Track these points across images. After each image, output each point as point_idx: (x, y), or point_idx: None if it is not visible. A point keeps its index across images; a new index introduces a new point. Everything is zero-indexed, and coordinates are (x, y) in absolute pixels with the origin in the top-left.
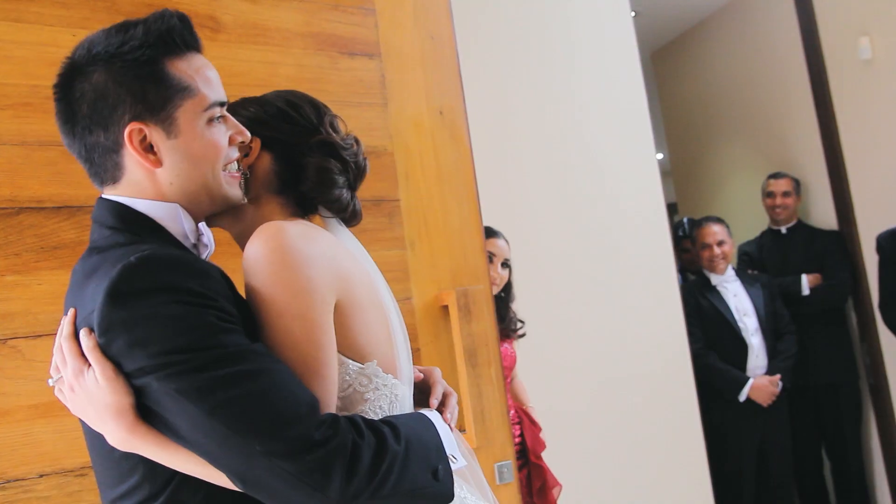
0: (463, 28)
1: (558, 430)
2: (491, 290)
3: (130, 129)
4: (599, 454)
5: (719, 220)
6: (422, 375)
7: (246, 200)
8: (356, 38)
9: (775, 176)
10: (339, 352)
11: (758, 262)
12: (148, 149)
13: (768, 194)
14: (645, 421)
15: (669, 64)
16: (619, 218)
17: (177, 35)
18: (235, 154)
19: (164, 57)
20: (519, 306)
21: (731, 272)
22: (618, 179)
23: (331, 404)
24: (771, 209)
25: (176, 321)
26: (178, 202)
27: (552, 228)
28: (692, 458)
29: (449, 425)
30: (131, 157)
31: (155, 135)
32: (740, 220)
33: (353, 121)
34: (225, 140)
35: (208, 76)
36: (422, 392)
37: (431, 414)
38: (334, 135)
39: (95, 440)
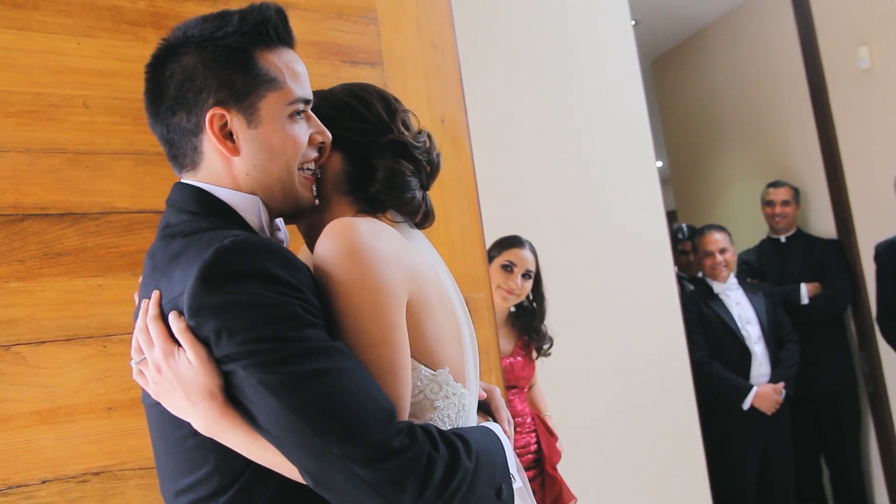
0: (464, 37)
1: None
2: (492, 297)
3: (212, 114)
4: (598, 464)
5: (721, 228)
6: (485, 394)
7: (317, 202)
8: (358, 46)
9: (774, 185)
10: (412, 356)
11: (757, 270)
12: (227, 136)
13: (767, 203)
14: (644, 430)
15: (669, 72)
16: (618, 225)
17: (271, 27)
18: (314, 154)
19: (255, 47)
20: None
21: (733, 280)
22: (618, 187)
23: (405, 408)
24: (770, 218)
25: (265, 309)
26: (253, 191)
27: (552, 236)
28: (692, 467)
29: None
30: (210, 143)
31: (236, 122)
32: (739, 228)
33: None
34: (305, 137)
35: (297, 71)
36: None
37: (497, 429)
38: (406, 133)
39: (165, 428)
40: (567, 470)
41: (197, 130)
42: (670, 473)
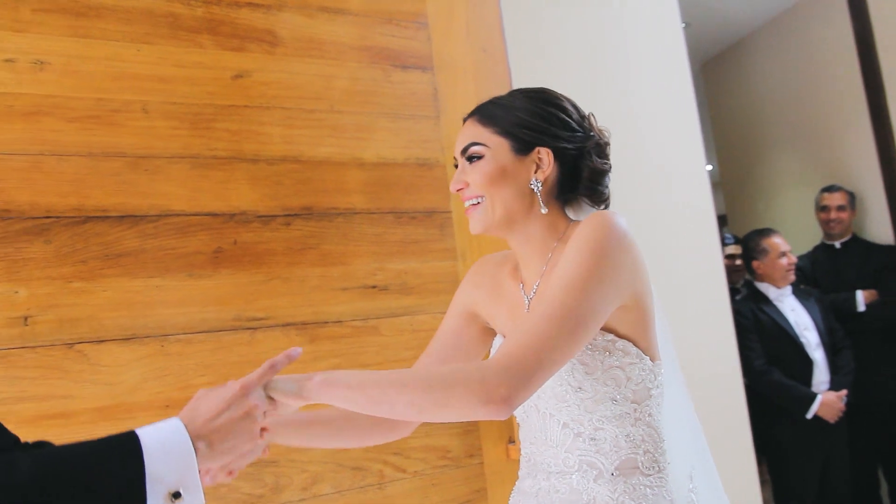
0: (514, 41)
1: None
2: None
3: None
4: None
5: (778, 233)
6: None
7: (544, 212)
8: (409, 51)
9: (829, 189)
10: (636, 344)
11: (810, 277)
12: None
13: (822, 208)
14: None
15: (720, 75)
16: (669, 230)
17: None
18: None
19: None
20: None
21: (787, 286)
22: (668, 191)
23: (562, 359)
24: (825, 223)
25: None
26: None
27: None
28: (743, 480)
29: None
30: None
31: None
32: (792, 234)
33: (406, 133)
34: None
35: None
36: None
37: (151, 436)
38: (602, 136)
39: None
40: None
41: None
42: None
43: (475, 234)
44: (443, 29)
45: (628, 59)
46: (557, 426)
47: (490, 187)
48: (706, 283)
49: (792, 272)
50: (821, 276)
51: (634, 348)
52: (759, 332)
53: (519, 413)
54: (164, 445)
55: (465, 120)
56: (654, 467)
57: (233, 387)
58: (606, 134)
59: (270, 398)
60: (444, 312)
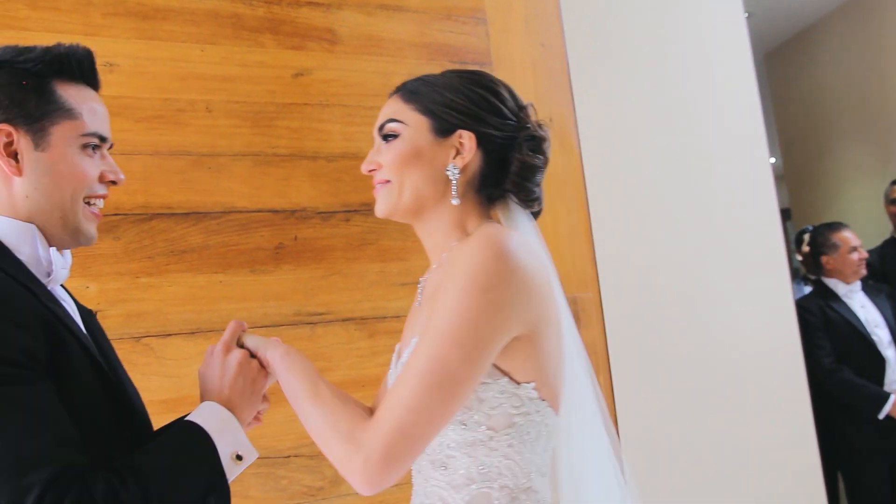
0: (573, 35)
1: (660, 448)
2: (600, 297)
3: None
4: (703, 477)
5: (848, 226)
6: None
7: (454, 202)
8: (467, 46)
9: None
10: (496, 366)
11: (879, 272)
12: (12, 155)
13: (892, 201)
14: (755, 438)
15: (783, 65)
16: (730, 224)
17: (74, 62)
18: (102, 191)
19: (55, 77)
20: (625, 315)
21: (857, 282)
22: (730, 184)
23: (442, 423)
24: (895, 217)
25: None
26: (33, 220)
27: (662, 235)
28: (807, 479)
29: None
30: None
31: (23, 142)
32: (859, 228)
33: None
34: (95, 172)
35: (95, 108)
36: None
37: (210, 419)
38: (539, 129)
39: None
40: (670, 483)
41: None
42: (784, 488)
43: (381, 217)
44: (501, 24)
45: (690, 50)
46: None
47: (401, 169)
48: (769, 279)
49: (863, 267)
50: (891, 271)
51: (489, 367)
52: (827, 329)
53: None
54: (216, 423)
55: (389, 96)
56: None
57: (216, 351)
58: (545, 128)
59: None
60: None
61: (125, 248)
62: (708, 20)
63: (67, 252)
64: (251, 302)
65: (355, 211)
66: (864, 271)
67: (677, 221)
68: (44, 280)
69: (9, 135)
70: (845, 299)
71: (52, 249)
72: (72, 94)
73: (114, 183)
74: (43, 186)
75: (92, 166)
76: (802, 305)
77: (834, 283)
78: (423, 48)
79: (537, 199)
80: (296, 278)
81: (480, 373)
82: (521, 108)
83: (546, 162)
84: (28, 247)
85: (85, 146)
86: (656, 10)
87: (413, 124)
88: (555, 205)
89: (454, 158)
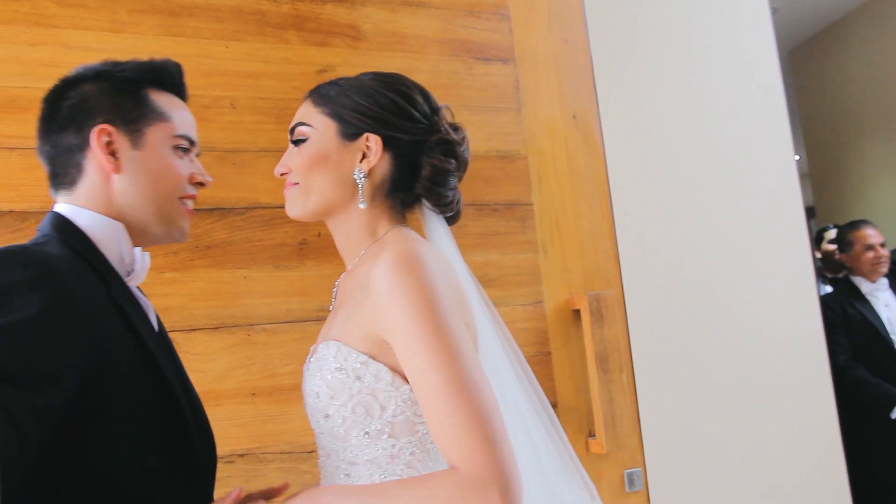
0: (596, 31)
1: (683, 447)
2: (623, 295)
3: (99, 129)
4: (726, 473)
5: (874, 224)
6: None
7: (362, 206)
8: (491, 43)
9: None
10: (400, 374)
11: None
12: (111, 154)
13: None
14: (779, 435)
15: (808, 61)
16: (754, 221)
17: (166, 73)
18: (192, 191)
19: (148, 85)
20: (648, 312)
21: (883, 280)
22: (754, 181)
23: (497, 417)
24: None
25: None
26: (125, 217)
27: (685, 232)
28: (832, 481)
29: None
30: (92, 160)
31: (120, 141)
32: (886, 226)
33: (488, 125)
34: (186, 172)
35: (184, 114)
36: None
37: None
38: (452, 132)
39: None
40: (693, 480)
41: (82, 146)
42: (807, 487)
43: (292, 218)
44: (524, 20)
45: (715, 45)
46: (323, 454)
47: (308, 173)
48: (793, 277)
49: (881, 266)
50: None
51: (389, 375)
52: (846, 326)
53: None
54: None
55: (304, 99)
56: None
57: None
58: (460, 132)
59: None
60: (525, 304)
61: None
62: (733, 15)
63: (147, 254)
64: (275, 297)
65: None
66: (883, 270)
67: (701, 218)
68: (124, 278)
69: (109, 134)
70: (869, 297)
71: (136, 249)
72: (163, 100)
73: (201, 185)
74: (138, 183)
75: (183, 167)
76: (823, 302)
77: (858, 281)
78: (447, 44)
79: (450, 204)
80: (319, 274)
81: (474, 348)
82: (434, 111)
83: (460, 166)
84: (114, 244)
85: (176, 147)
86: (680, 5)
87: (320, 128)
88: (578, 201)
89: (360, 162)
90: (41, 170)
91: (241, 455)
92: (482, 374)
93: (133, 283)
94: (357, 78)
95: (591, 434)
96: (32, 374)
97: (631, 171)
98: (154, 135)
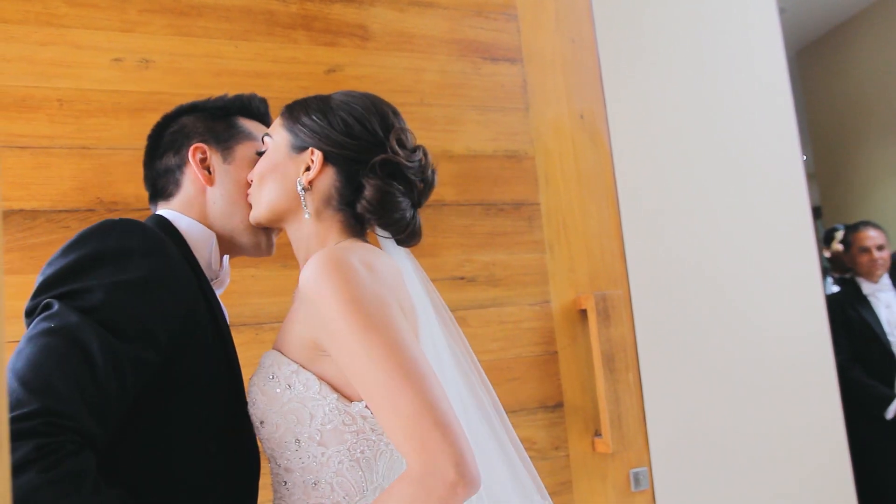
0: (604, 31)
1: (688, 447)
2: (630, 294)
3: (195, 147)
4: (731, 473)
5: (877, 225)
6: None
7: (307, 217)
8: (498, 43)
9: None
10: (328, 383)
11: None
12: (206, 168)
13: None
14: (784, 435)
15: (816, 62)
16: (762, 221)
17: (253, 106)
18: None
19: (237, 114)
20: (655, 312)
21: (885, 281)
22: (761, 181)
23: (448, 406)
24: None
25: None
26: (216, 226)
27: (692, 233)
28: (837, 481)
29: None
30: (189, 175)
31: (214, 157)
32: (893, 227)
33: (495, 125)
34: None
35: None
36: None
37: None
38: (400, 152)
39: None
40: (700, 479)
41: (181, 165)
42: (813, 486)
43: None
44: (532, 20)
45: (722, 46)
46: (270, 461)
47: (261, 180)
48: (800, 277)
49: (877, 268)
50: None
51: (317, 384)
52: (846, 327)
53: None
54: None
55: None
56: None
57: None
58: (415, 156)
59: None
60: (532, 304)
61: None
62: (741, 16)
63: (227, 264)
64: (282, 296)
65: None
66: (881, 271)
67: (707, 218)
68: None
69: (203, 151)
70: (870, 298)
71: (225, 258)
72: (250, 125)
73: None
74: (230, 194)
75: None
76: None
77: (861, 282)
78: (454, 44)
79: (399, 227)
80: None
81: (416, 340)
82: (389, 130)
83: (410, 189)
84: (206, 250)
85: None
86: (688, 5)
87: (277, 140)
88: (585, 201)
89: (302, 174)
90: (51, 169)
91: None
92: (425, 363)
93: (217, 288)
94: (329, 96)
95: (598, 433)
96: (137, 331)
97: (638, 170)
98: (243, 151)
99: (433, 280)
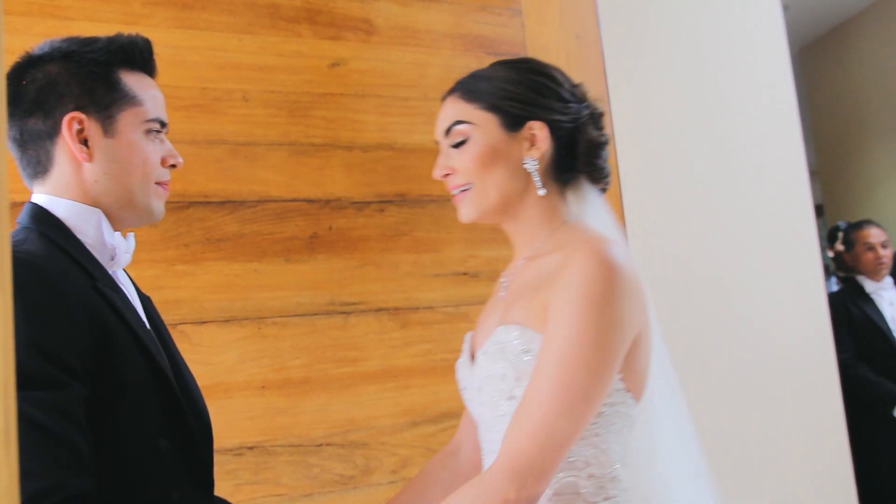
0: (608, 26)
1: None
2: None
3: (70, 117)
4: (732, 472)
5: (879, 224)
6: None
7: (541, 193)
8: (503, 38)
9: None
10: None
11: None
12: (82, 142)
13: None
14: (786, 433)
15: (819, 60)
16: (765, 218)
17: (136, 52)
18: (166, 176)
19: (119, 66)
20: (657, 308)
21: (888, 279)
22: (764, 179)
23: (570, 441)
24: None
25: None
26: (100, 203)
27: (695, 229)
28: (838, 479)
29: None
30: (63, 149)
31: (92, 129)
32: (894, 225)
33: None
34: (157, 156)
35: (155, 95)
36: None
37: None
38: (597, 105)
39: None
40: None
41: (52, 134)
42: (814, 484)
43: (466, 223)
44: (536, 15)
45: (726, 43)
46: (500, 439)
47: (482, 171)
48: (802, 275)
49: (882, 267)
50: None
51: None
52: (849, 325)
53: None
54: None
55: (444, 98)
56: (600, 494)
57: None
58: (600, 103)
59: None
60: None
61: (162, 236)
62: (744, 13)
63: (131, 236)
64: (285, 291)
65: (389, 201)
66: (884, 270)
67: (711, 215)
68: (106, 264)
69: (80, 122)
70: (873, 296)
71: (117, 234)
72: (135, 82)
73: (173, 166)
74: (112, 171)
75: (155, 151)
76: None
77: (863, 280)
78: (459, 39)
79: (607, 176)
80: (330, 268)
81: (608, 386)
82: (576, 86)
83: (608, 138)
84: (93, 230)
85: (148, 132)
86: (692, 2)
87: (481, 123)
88: None
89: (529, 150)
90: None
91: (250, 448)
92: (593, 404)
93: (116, 268)
94: (493, 67)
95: None
96: (51, 375)
97: (642, 167)
98: (126, 120)
99: (436, 276)
